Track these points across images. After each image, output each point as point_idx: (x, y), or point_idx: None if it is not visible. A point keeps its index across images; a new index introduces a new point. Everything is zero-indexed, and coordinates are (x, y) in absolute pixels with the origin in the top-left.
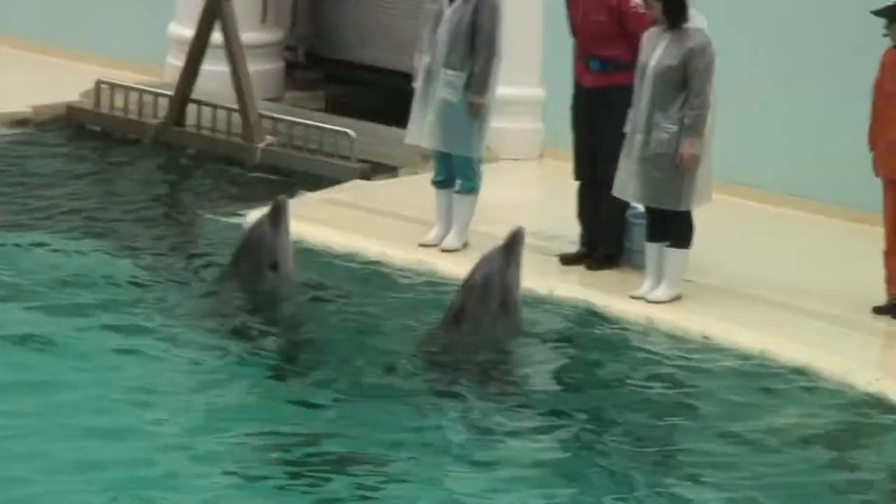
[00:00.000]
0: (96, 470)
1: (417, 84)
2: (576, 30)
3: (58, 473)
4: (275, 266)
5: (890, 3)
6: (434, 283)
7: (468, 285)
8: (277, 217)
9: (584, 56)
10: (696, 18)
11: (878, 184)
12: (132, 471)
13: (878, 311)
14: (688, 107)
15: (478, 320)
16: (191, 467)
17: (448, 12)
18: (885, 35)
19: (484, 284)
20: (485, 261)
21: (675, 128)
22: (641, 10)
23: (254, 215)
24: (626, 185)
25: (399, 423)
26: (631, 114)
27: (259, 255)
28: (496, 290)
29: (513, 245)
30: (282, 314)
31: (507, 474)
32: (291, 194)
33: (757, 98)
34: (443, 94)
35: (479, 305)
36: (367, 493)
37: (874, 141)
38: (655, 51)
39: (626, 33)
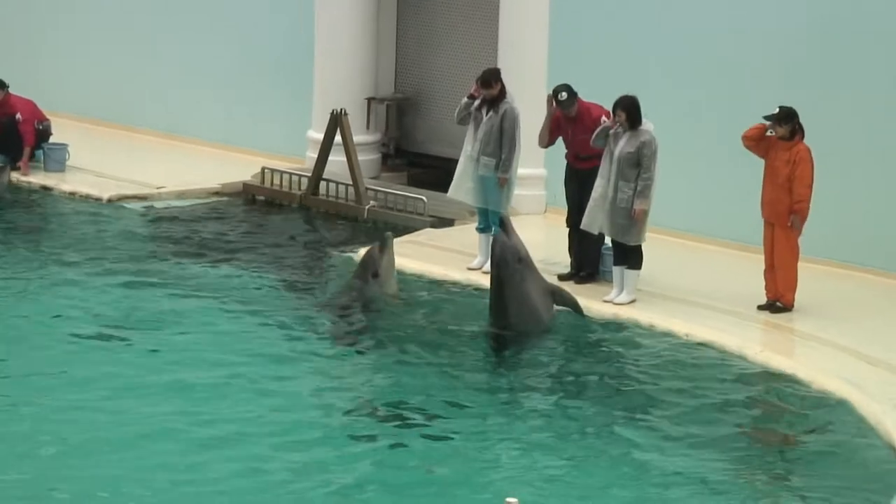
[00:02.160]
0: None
1: (460, 160)
2: (567, 142)
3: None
4: (375, 275)
5: (776, 111)
6: (478, 294)
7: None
8: (383, 244)
9: (574, 153)
10: (647, 123)
11: (761, 224)
12: (242, 426)
13: (760, 308)
14: (640, 179)
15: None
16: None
17: (485, 118)
18: (770, 133)
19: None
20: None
21: (631, 192)
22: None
23: (363, 251)
24: (593, 224)
25: (452, 385)
26: (598, 180)
27: (367, 268)
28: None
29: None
30: (375, 308)
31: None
32: (396, 234)
33: (688, 172)
34: (481, 172)
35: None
36: (426, 440)
37: (762, 196)
38: (619, 143)
39: None
